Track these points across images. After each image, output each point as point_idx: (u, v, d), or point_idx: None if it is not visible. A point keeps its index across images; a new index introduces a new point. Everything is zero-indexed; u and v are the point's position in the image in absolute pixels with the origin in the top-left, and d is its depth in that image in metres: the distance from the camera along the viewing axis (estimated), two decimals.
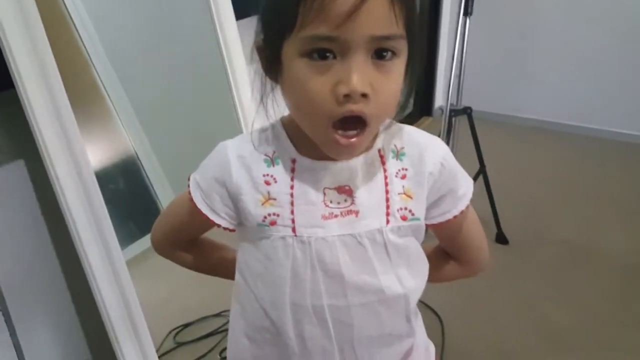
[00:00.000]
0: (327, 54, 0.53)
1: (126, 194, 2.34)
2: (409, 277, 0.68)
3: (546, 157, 2.99)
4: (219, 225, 0.68)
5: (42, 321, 1.37)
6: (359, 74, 0.53)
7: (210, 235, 0.80)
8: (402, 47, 0.56)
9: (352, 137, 0.56)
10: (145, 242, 2.12)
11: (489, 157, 2.15)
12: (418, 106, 3.48)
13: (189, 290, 1.87)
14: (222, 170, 0.66)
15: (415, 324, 0.73)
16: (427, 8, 3.25)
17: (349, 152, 0.59)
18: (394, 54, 0.55)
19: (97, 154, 2.18)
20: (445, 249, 0.78)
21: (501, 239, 2.17)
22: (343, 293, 0.65)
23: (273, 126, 0.67)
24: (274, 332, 0.68)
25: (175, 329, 1.80)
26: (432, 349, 0.81)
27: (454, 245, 0.77)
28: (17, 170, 1.25)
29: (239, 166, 0.65)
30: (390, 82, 0.56)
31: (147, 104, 2.22)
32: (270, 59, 0.59)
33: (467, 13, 1.89)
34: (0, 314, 1.27)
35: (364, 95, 0.53)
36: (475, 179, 2.13)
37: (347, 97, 0.53)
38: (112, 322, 1.24)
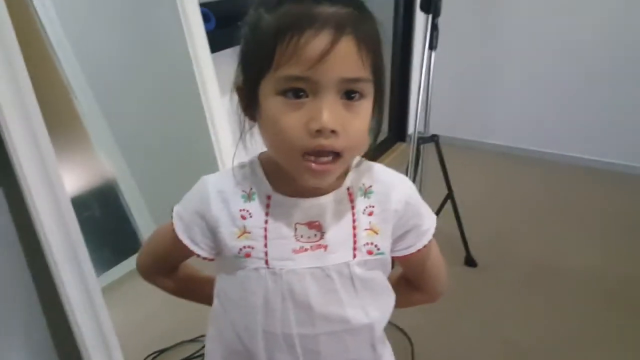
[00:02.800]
0: (301, 93, 0.58)
1: (105, 219, 2.34)
2: (374, 307, 0.72)
3: (511, 181, 3.07)
4: (198, 255, 0.73)
5: (16, 345, 1.37)
6: (329, 112, 0.57)
7: (192, 263, 0.85)
8: (369, 89, 0.61)
9: (326, 163, 0.60)
10: (124, 267, 2.12)
11: (456, 182, 2.21)
12: (393, 133, 3.58)
13: (165, 316, 1.87)
14: (202, 203, 0.70)
15: (382, 351, 0.77)
16: (400, 42, 3.37)
17: (323, 178, 0.62)
18: (361, 95, 0.60)
19: (76, 180, 2.18)
20: (408, 278, 0.82)
21: (470, 261, 2.22)
22: (311, 322, 0.69)
23: (251, 163, 0.72)
24: (247, 356, 0.72)
25: (151, 354, 1.79)
26: None
27: (417, 275, 0.82)
28: None
29: (218, 200, 0.69)
30: (358, 120, 0.60)
31: (127, 131, 2.24)
32: (249, 98, 0.64)
33: (431, 47, 1.98)
34: None
35: (334, 132, 0.58)
36: (443, 203, 2.20)
37: (319, 132, 0.57)
38: (87, 348, 1.25)
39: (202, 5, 1.58)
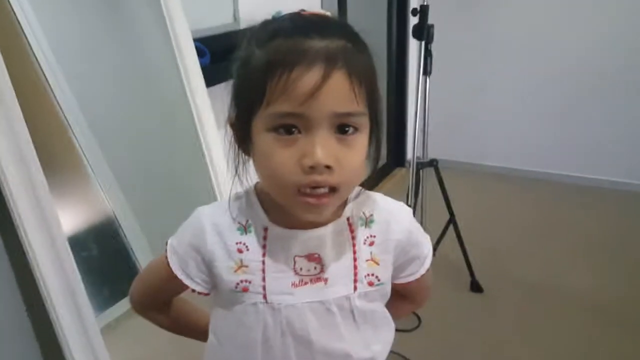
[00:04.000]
0: (293, 129, 0.56)
1: (105, 257, 2.33)
2: (375, 341, 0.71)
3: (509, 202, 3.07)
4: (193, 290, 0.71)
5: None
6: (323, 147, 0.56)
7: (186, 296, 0.82)
8: (363, 122, 0.59)
9: (322, 196, 0.58)
10: (125, 304, 2.09)
11: (457, 206, 2.20)
12: (392, 158, 3.58)
13: (168, 355, 1.84)
14: (197, 237, 0.68)
15: None
16: (395, 69, 3.41)
17: (319, 212, 0.60)
18: (355, 129, 0.58)
19: (75, 218, 2.17)
20: (398, 291, 0.80)
21: (475, 287, 2.19)
22: (312, 358, 0.67)
23: (247, 194, 0.70)
24: None
25: None
26: None
27: (413, 293, 0.81)
28: None
29: (213, 234, 0.67)
30: (353, 154, 0.59)
31: (125, 167, 2.24)
32: (242, 133, 0.62)
33: (426, 72, 2.00)
34: None
35: (328, 167, 0.56)
36: (445, 228, 2.18)
37: (312, 168, 0.56)
38: None
39: (196, 40, 1.59)
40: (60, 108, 2.16)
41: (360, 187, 0.69)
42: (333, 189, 0.58)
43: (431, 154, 2.20)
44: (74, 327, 1.20)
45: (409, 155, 3.48)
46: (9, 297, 1.31)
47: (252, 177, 0.67)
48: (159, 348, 1.81)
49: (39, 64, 2.01)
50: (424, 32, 1.92)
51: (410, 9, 3.13)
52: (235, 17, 1.90)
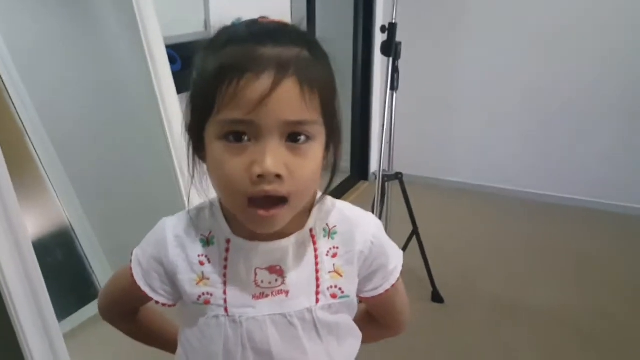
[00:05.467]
0: (243, 137, 0.56)
1: (61, 265, 2.27)
2: (339, 352, 0.70)
3: (473, 217, 3.17)
4: (157, 302, 0.71)
5: None
6: (273, 156, 0.55)
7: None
8: (316, 131, 0.59)
9: (272, 208, 0.57)
10: (82, 314, 2.05)
11: (421, 219, 2.27)
12: (355, 171, 3.65)
13: None
14: (160, 248, 0.68)
15: None
16: (360, 83, 3.49)
17: (270, 224, 0.60)
18: (307, 137, 0.57)
19: (31, 225, 2.12)
20: (372, 314, 0.80)
21: (437, 298, 2.26)
22: None
23: (211, 204, 0.69)
24: None
25: None
26: None
27: (384, 313, 0.80)
28: None
29: (175, 245, 0.67)
30: (305, 163, 0.58)
31: (83, 174, 2.20)
32: (197, 140, 0.62)
33: (393, 88, 2.07)
34: None
35: (278, 176, 0.55)
36: (409, 240, 2.24)
37: (262, 177, 0.55)
38: None
39: (168, 47, 1.61)
40: (17, 111, 2.11)
41: (327, 197, 0.69)
42: (284, 200, 0.58)
43: (397, 168, 2.26)
44: (37, 333, 1.18)
45: (373, 168, 3.58)
46: None
47: (209, 184, 0.66)
48: (117, 358, 1.78)
49: None
50: (391, 49, 1.99)
51: (377, 25, 3.27)
52: (207, 25, 1.93)
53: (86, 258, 2.32)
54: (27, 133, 2.14)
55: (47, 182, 2.21)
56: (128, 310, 0.82)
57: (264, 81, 0.54)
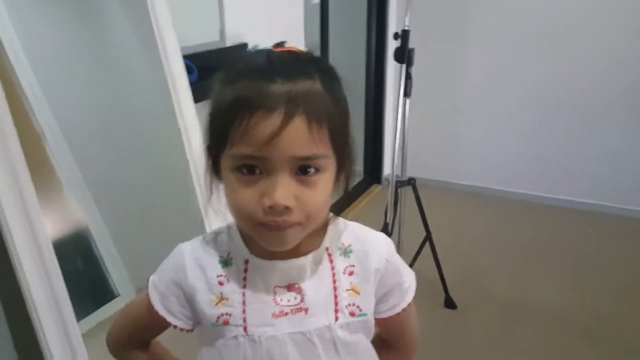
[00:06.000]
0: (255, 169, 0.59)
1: (77, 269, 2.32)
2: None
3: (484, 220, 3.19)
4: (175, 326, 0.71)
5: None
6: (282, 189, 0.58)
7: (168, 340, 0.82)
8: (326, 163, 0.61)
9: (283, 229, 0.60)
10: (95, 317, 2.09)
11: (433, 223, 2.29)
12: (368, 175, 3.68)
13: None
14: (179, 272, 0.70)
15: None
16: (373, 89, 3.53)
17: (282, 242, 0.62)
18: (317, 170, 0.60)
19: (48, 228, 2.15)
20: (384, 337, 0.80)
21: (449, 304, 2.28)
22: None
23: (229, 228, 0.72)
24: None
25: None
26: None
27: (396, 334, 0.81)
28: None
29: (194, 268, 0.69)
30: (314, 194, 0.60)
31: (100, 179, 2.25)
32: (213, 163, 0.65)
33: (406, 94, 2.09)
34: None
35: (287, 208, 0.58)
36: (422, 245, 2.26)
37: (272, 208, 0.58)
38: None
39: (184, 57, 1.65)
40: (35, 116, 2.16)
41: (339, 218, 0.71)
42: (296, 223, 0.60)
43: (408, 172, 2.28)
44: (56, 331, 1.22)
45: (385, 172, 3.61)
46: None
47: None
48: None
49: (12, 68, 2.01)
50: (404, 56, 2.01)
51: (390, 32, 3.29)
52: (222, 35, 1.96)
53: (102, 261, 2.37)
54: (44, 137, 2.19)
55: (64, 186, 2.26)
56: (141, 342, 0.82)
57: (274, 119, 0.56)
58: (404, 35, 2.02)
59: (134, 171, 2.09)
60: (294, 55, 0.62)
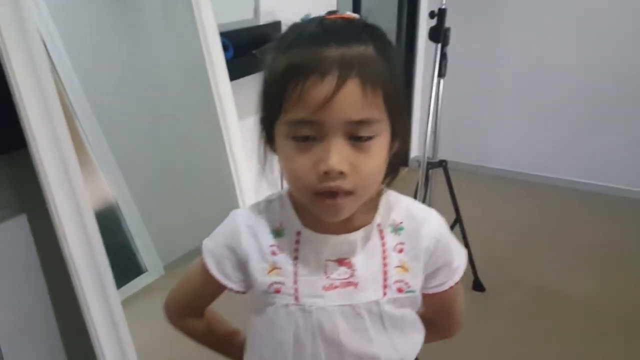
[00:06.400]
0: (309, 136, 0.59)
1: (107, 243, 2.37)
2: (403, 343, 0.72)
3: (514, 205, 3.17)
4: (230, 289, 0.74)
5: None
6: (337, 154, 0.58)
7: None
8: (380, 128, 0.61)
9: (337, 198, 0.60)
10: (124, 292, 2.14)
11: (462, 206, 2.29)
12: None
13: (173, 340, 1.88)
14: (233, 238, 0.71)
15: None
16: (402, 70, 3.48)
17: (336, 212, 0.63)
18: (371, 134, 0.60)
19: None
20: (427, 316, 0.80)
21: (478, 286, 2.28)
22: None
23: (280, 197, 0.73)
24: None
25: None
26: None
27: (441, 312, 0.81)
28: (20, 224, 1.32)
29: (248, 235, 0.71)
30: (369, 159, 0.60)
31: (130, 157, 2.28)
32: (267, 133, 0.66)
33: (440, 74, 2.07)
34: None
35: (342, 173, 0.58)
36: (452, 228, 2.26)
37: (327, 174, 0.58)
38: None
39: (221, 34, 1.65)
40: (67, 96, 2.19)
41: (391, 192, 0.72)
42: (349, 192, 0.60)
43: (439, 155, 2.27)
44: (100, 305, 1.27)
45: (413, 154, 3.59)
46: (34, 279, 1.37)
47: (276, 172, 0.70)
48: (154, 340, 1.85)
49: (45, 46, 2.04)
50: (440, 35, 1.99)
51: (421, 11, 3.25)
52: (256, 13, 1.96)
53: (131, 237, 2.42)
54: (75, 115, 2.23)
55: (95, 163, 2.30)
56: (197, 308, 0.84)
57: (328, 83, 0.56)
58: (440, 14, 1.99)
59: (165, 149, 2.11)
60: (347, 21, 0.62)
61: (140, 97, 2.05)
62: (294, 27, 0.63)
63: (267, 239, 0.70)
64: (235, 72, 1.67)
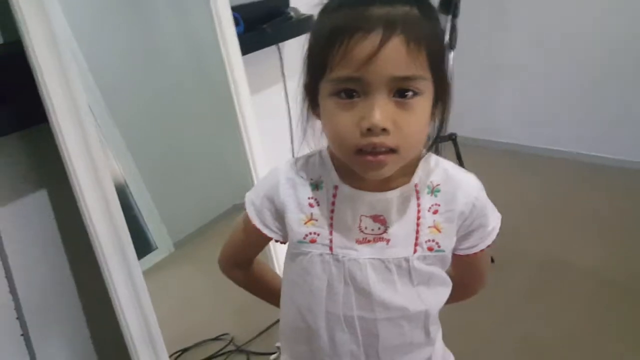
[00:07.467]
0: (353, 93, 0.61)
1: None
2: (429, 294, 0.76)
3: (523, 178, 3.20)
4: (270, 238, 0.78)
5: (58, 345, 1.46)
6: (380, 110, 0.60)
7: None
8: (424, 86, 0.62)
9: (380, 154, 0.62)
10: None
11: None
12: None
13: (184, 315, 1.93)
14: (272, 189, 0.76)
15: (434, 335, 0.82)
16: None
17: (378, 170, 0.64)
18: (415, 92, 0.61)
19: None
20: (454, 274, 0.82)
21: None
22: (371, 308, 0.73)
23: (320, 153, 0.76)
24: (309, 334, 0.78)
25: (174, 353, 1.83)
26: (449, 357, 0.90)
27: (469, 272, 0.85)
28: (40, 198, 1.37)
29: (287, 187, 0.75)
30: (412, 118, 0.62)
31: (139, 136, 2.29)
32: (312, 96, 0.69)
33: (451, 46, 2.08)
34: (22, 338, 1.36)
35: (385, 130, 0.60)
36: None
37: (370, 131, 0.60)
38: (133, 339, 1.34)
39: (231, 9, 1.67)
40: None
41: (432, 154, 0.74)
42: (392, 150, 0.62)
43: (449, 129, 2.28)
44: (122, 275, 1.32)
45: None
46: (54, 254, 1.42)
47: (317, 138, 0.73)
48: (173, 310, 1.89)
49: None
50: (451, 6, 1.99)
51: None
52: None
53: (141, 215, 2.46)
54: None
55: (104, 143, 2.32)
56: (245, 259, 0.90)
57: (372, 40, 0.58)
58: None
59: (174, 126, 2.13)
60: None
61: (148, 74, 2.05)
62: None
63: (305, 191, 0.74)
64: (246, 46, 1.69)
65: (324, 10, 0.65)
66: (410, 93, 0.61)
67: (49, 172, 1.35)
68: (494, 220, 0.77)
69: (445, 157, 0.69)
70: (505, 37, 3.34)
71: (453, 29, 2.05)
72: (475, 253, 0.77)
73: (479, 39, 3.32)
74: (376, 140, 0.61)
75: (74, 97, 1.22)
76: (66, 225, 1.42)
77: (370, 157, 0.63)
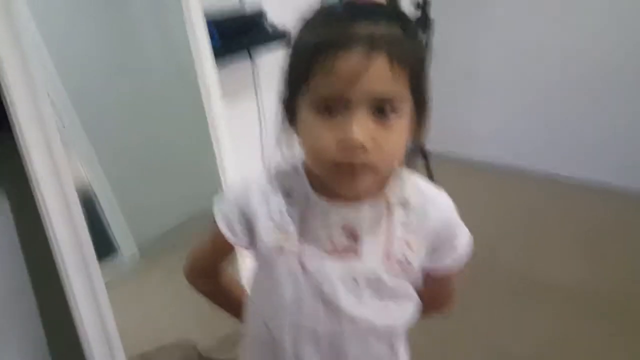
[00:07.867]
0: (334, 109, 0.62)
1: None
2: (396, 309, 0.77)
3: (490, 193, 3.22)
4: (235, 244, 0.78)
5: (14, 352, 1.42)
6: (359, 127, 0.60)
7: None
8: (404, 106, 0.64)
9: (357, 170, 0.63)
10: None
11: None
12: None
13: (146, 321, 1.88)
14: (243, 197, 0.76)
15: (397, 347, 0.82)
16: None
17: (352, 185, 0.65)
18: (394, 111, 0.62)
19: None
20: (423, 291, 0.83)
21: None
22: (338, 320, 0.74)
23: (293, 164, 0.77)
24: (273, 347, 0.78)
25: None
26: None
27: (439, 290, 0.86)
28: None
29: (258, 195, 0.75)
30: (391, 136, 0.63)
31: (105, 138, 2.26)
32: (290, 110, 0.69)
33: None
34: None
35: (363, 146, 0.61)
36: None
37: (348, 146, 0.61)
38: (90, 342, 1.32)
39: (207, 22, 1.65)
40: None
41: (403, 169, 0.74)
42: (369, 167, 0.63)
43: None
44: (82, 283, 1.30)
45: None
46: (12, 257, 1.38)
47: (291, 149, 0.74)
48: (132, 319, 1.86)
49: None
50: (427, 24, 2.01)
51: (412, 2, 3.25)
52: (241, 1, 1.95)
53: (105, 218, 2.41)
54: (48, 94, 2.19)
55: (68, 144, 2.27)
56: (210, 268, 0.90)
57: (355, 57, 0.59)
58: (424, 5, 2.03)
59: (143, 131, 2.10)
60: (376, 4, 0.65)
61: (118, 78, 2.02)
62: (322, 8, 0.66)
63: (277, 200, 0.74)
64: (220, 56, 1.69)
65: (307, 26, 0.66)
66: (390, 111, 0.62)
67: (9, 173, 1.32)
68: (462, 238, 0.77)
69: (415, 171, 0.70)
70: (485, 51, 3.33)
71: (427, 45, 2.08)
72: (446, 274, 0.78)
73: (454, 49, 3.30)
74: (354, 156, 0.62)
75: (36, 99, 1.20)
76: (25, 228, 1.39)
77: (346, 173, 0.63)
